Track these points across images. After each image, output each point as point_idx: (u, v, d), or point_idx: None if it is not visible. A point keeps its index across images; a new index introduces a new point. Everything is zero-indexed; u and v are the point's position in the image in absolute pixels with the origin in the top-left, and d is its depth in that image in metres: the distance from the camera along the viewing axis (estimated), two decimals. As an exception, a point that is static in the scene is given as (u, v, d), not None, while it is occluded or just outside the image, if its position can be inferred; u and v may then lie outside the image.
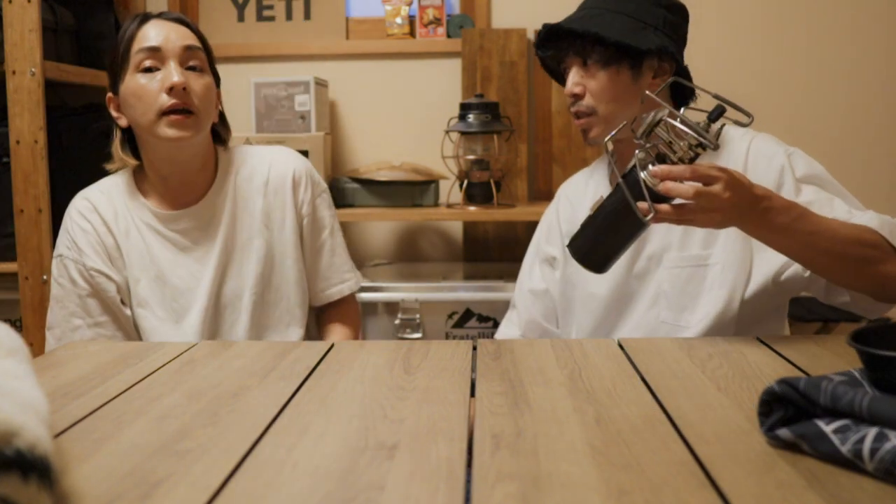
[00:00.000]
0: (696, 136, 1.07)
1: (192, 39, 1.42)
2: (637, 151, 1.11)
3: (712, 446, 0.75)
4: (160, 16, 1.43)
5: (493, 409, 0.88)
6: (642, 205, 1.08)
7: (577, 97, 1.41)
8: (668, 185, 1.08)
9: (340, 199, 2.33)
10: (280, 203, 1.51)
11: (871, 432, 0.67)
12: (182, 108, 1.37)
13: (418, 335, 2.17)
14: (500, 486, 0.68)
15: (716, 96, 1.11)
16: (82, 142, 2.17)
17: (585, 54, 1.39)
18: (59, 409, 0.91)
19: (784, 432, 0.73)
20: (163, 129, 1.37)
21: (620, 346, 1.14)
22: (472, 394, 0.95)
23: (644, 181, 1.09)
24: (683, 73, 1.42)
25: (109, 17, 2.24)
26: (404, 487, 0.68)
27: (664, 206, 1.09)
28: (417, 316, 2.18)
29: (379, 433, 0.81)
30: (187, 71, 1.39)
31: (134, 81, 1.38)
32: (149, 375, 1.06)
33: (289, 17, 2.65)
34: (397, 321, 2.18)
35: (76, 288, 1.43)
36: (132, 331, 1.46)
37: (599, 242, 1.16)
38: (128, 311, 1.46)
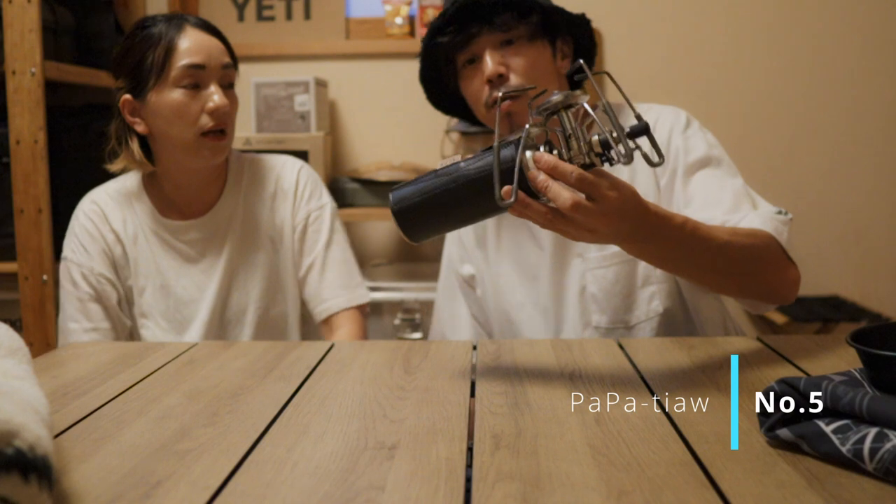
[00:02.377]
0: (602, 145, 0.89)
1: (227, 56, 1.40)
2: (528, 126, 0.90)
3: (712, 446, 0.75)
4: (190, 21, 1.38)
5: (493, 409, 0.88)
6: (507, 187, 0.88)
7: (502, 78, 1.27)
8: (547, 182, 0.88)
9: (340, 199, 2.33)
10: (283, 215, 1.49)
11: (871, 432, 0.67)
12: (219, 129, 1.37)
13: (418, 335, 2.17)
14: (500, 486, 0.68)
15: (638, 117, 0.92)
16: (82, 142, 2.17)
17: (510, 29, 1.26)
18: (59, 409, 0.91)
19: (784, 432, 0.73)
20: (201, 150, 1.37)
21: (620, 346, 1.15)
22: (472, 394, 0.95)
23: (521, 161, 0.89)
24: (586, 57, 1.31)
25: (109, 17, 2.24)
26: (404, 487, 0.68)
27: (536, 205, 0.90)
28: (417, 316, 2.18)
29: (379, 433, 0.81)
30: (224, 90, 1.38)
31: (173, 97, 1.34)
32: (149, 375, 1.06)
33: (289, 17, 2.65)
34: (397, 321, 2.18)
35: (77, 291, 1.42)
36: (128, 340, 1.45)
37: (434, 208, 0.93)
38: (128, 322, 1.45)
